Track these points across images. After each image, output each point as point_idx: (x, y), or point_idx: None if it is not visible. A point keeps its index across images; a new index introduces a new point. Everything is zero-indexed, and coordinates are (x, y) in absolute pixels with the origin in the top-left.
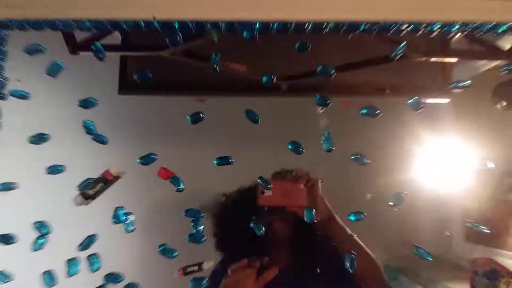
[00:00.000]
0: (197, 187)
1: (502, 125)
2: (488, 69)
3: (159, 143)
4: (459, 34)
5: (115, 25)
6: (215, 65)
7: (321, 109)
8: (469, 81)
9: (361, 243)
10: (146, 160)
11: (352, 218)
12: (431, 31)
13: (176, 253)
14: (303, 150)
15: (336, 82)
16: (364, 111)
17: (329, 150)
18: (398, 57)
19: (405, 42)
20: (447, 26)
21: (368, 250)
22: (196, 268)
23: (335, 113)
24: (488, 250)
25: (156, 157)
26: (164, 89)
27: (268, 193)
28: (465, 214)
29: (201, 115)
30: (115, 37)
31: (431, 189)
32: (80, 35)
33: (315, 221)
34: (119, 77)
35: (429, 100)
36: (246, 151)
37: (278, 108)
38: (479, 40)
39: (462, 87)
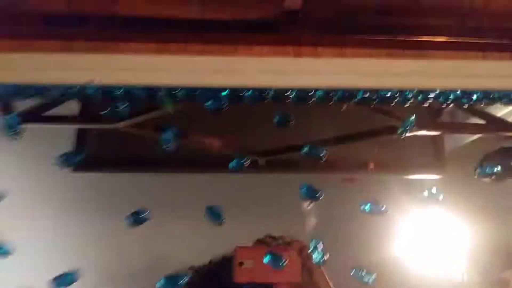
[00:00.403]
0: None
1: (493, 197)
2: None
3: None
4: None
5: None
6: (168, 143)
7: (309, 204)
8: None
9: None
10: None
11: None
12: (447, 100)
13: None
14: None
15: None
16: (367, 207)
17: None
18: (405, 134)
19: (413, 116)
20: (466, 95)
21: None
22: None
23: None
24: None
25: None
26: (127, 165)
27: (248, 264)
28: None
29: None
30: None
31: (418, 270)
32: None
33: None
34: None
35: (419, 177)
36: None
37: (255, 184)
38: (478, 111)
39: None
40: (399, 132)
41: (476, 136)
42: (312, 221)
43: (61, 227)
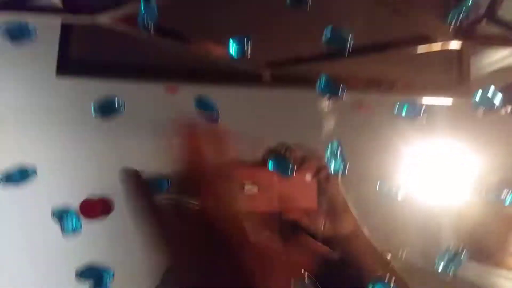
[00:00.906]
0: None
1: (506, 133)
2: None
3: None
4: None
5: None
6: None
7: (329, 100)
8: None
9: (398, 273)
10: None
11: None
12: None
13: None
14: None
15: (324, 71)
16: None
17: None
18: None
19: None
20: None
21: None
22: None
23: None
24: (485, 269)
25: None
26: (116, 71)
27: (251, 188)
28: (459, 229)
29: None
30: None
31: (421, 200)
32: None
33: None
34: (59, 54)
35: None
36: None
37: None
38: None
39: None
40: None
41: (503, 64)
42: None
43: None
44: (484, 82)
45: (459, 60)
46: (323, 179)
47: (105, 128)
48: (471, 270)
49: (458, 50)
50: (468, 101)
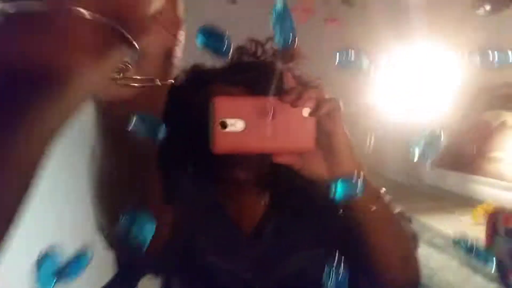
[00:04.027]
0: None
1: (484, 33)
2: None
3: None
4: None
5: None
6: None
7: None
8: None
9: (402, 224)
10: None
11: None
12: None
13: None
14: None
15: None
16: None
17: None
18: None
19: None
20: None
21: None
22: None
23: None
24: (461, 176)
25: None
26: None
27: (235, 124)
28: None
29: None
30: None
31: (397, 110)
32: None
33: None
34: None
35: None
36: None
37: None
38: None
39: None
40: None
41: None
42: None
43: None
44: None
45: None
46: (324, 115)
47: None
48: (450, 179)
49: None
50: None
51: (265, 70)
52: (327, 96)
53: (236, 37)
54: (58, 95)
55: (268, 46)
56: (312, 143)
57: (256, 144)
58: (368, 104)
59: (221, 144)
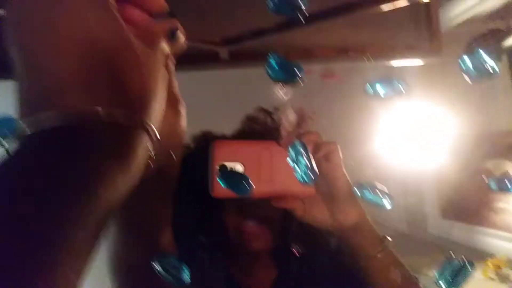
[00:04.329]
0: None
1: (476, 88)
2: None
3: None
4: None
5: None
6: None
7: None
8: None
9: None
10: None
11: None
12: None
13: None
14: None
15: (289, 43)
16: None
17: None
18: None
19: None
20: None
21: None
22: None
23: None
24: (467, 228)
25: None
26: None
27: (234, 168)
28: (439, 188)
29: None
30: None
31: (400, 162)
32: None
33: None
34: None
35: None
36: None
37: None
38: None
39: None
40: None
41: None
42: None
43: None
44: (456, 37)
45: (427, 14)
46: (323, 158)
47: None
48: (456, 230)
49: (426, 2)
50: (441, 60)
51: (274, 139)
52: (325, 140)
53: None
54: None
55: (276, 115)
56: (312, 188)
57: (255, 188)
58: (370, 153)
59: (220, 187)
